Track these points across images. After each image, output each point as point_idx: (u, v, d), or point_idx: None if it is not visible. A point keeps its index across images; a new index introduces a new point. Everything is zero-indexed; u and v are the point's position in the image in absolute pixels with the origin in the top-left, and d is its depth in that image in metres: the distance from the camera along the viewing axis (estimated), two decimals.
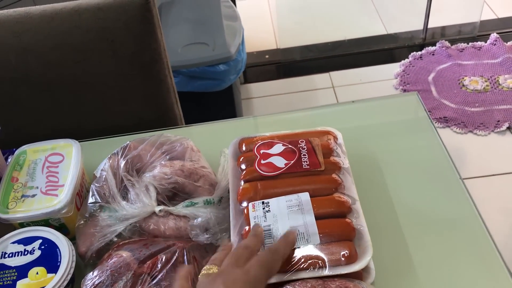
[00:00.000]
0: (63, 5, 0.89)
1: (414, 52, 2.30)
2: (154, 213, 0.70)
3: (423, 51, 2.30)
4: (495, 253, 0.67)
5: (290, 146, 0.71)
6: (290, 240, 0.60)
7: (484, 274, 0.66)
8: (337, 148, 0.71)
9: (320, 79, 2.30)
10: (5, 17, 0.90)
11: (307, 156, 0.69)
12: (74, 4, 0.89)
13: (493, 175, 1.77)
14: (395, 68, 2.26)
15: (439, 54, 2.28)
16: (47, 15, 0.89)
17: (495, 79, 2.10)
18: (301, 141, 0.71)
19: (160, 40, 0.93)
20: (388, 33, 2.46)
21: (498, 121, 1.93)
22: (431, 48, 2.31)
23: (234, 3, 2.05)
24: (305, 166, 0.68)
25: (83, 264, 0.71)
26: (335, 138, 0.73)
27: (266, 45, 2.51)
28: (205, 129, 0.93)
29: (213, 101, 1.81)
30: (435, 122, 1.96)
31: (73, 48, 0.92)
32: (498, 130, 1.90)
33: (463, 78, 2.13)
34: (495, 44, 2.26)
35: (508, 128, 1.90)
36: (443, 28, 2.43)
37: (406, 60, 2.28)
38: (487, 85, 2.08)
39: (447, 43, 2.30)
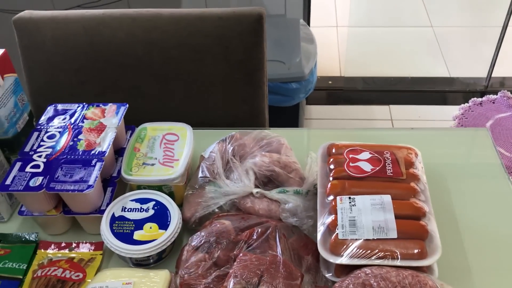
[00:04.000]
0: (189, 10, 1.04)
1: (475, 98, 2.37)
2: (251, 193, 0.82)
3: (483, 98, 2.36)
4: None
5: (376, 155, 0.82)
6: None
7: None
8: (416, 163, 0.82)
9: (379, 111, 2.39)
10: (137, 15, 1.06)
11: (391, 165, 0.80)
12: (199, 11, 1.04)
13: None
14: (454, 110, 2.33)
15: (499, 103, 2.34)
16: (175, 17, 1.04)
17: None
18: (386, 152, 0.82)
19: (265, 51, 1.06)
20: (450, 76, 2.54)
21: None
22: (492, 96, 2.37)
23: None
24: (389, 173, 0.78)
25: (182, 229, 0.84)
26: (416, 154, 0.84)
27: (330, 71, 2.63)
28: (288, 133, 1.05)
29: (281, 115, 1.94)
30: None
31: (192, 48, 1.07)
32: None
33: None
34: None
35: None
36: (507, 78, 2.49)
37: (466, 104, 2.35)
38: None
39: (509, 94, 2.36)
